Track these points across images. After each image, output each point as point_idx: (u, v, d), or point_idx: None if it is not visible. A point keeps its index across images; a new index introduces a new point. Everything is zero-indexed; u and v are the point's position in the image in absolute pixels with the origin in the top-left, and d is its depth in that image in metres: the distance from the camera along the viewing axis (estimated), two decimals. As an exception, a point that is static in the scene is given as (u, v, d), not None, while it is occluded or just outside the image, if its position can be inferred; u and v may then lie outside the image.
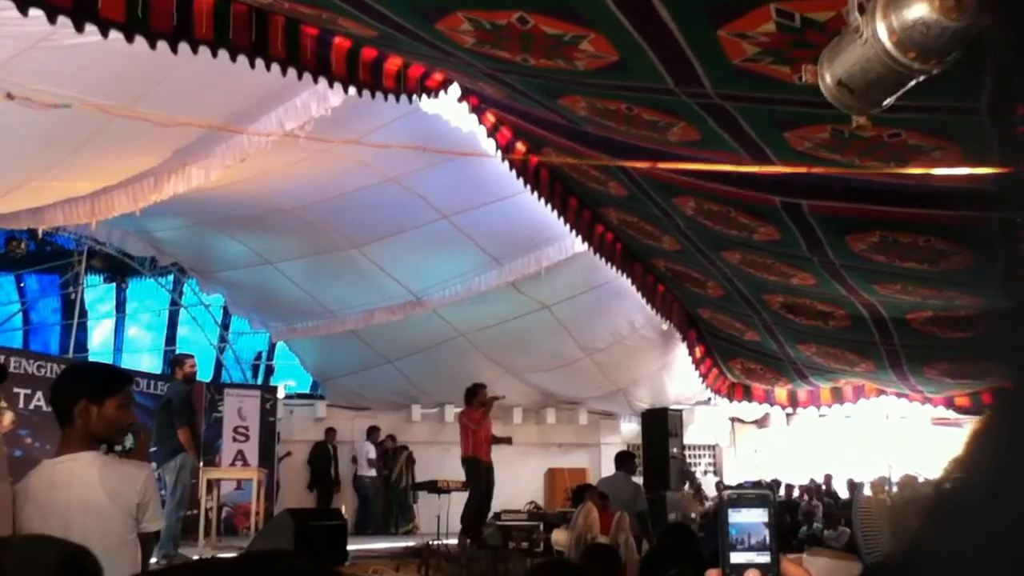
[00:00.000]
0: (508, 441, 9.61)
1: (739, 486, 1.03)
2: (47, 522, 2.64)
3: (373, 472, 12.81)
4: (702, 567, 0.96)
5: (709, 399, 12.77)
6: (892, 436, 14.85)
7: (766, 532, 0.94)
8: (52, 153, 6.25)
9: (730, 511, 0.94)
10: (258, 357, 15.57)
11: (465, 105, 6.21)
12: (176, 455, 7.70)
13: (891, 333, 7.28)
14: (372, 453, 12.89)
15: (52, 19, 3.90)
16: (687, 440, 13.36)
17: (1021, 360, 0.59)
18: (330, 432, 12.92)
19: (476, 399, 9.28)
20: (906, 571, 0.71)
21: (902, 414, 14.11)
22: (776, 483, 14.21)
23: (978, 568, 0.57)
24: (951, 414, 9.87)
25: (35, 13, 3.80)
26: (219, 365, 14.98)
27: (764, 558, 0.93)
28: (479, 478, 9.05)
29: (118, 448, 3.13)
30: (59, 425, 2.86)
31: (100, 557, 2.64)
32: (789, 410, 11.54)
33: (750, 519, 0.94)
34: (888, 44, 2.29)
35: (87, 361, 9.09)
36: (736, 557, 0.93)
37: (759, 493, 0.96)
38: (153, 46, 4.21)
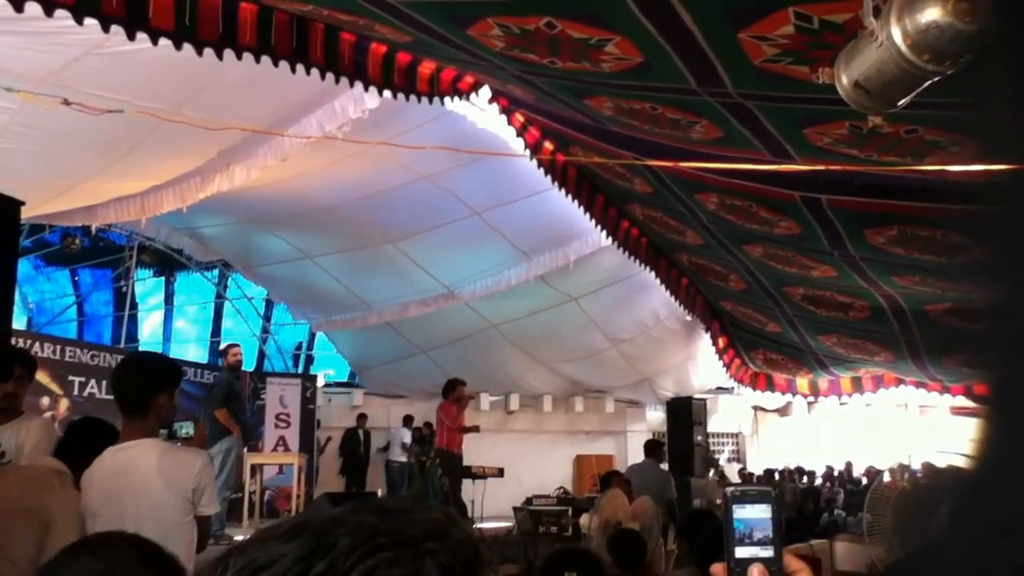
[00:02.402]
0: (476, 429, 9.77)
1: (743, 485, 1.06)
2: (106, 506, 2.82)
3: (403, 457, 13.03)
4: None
5: (732, 388, 12.85)
6: (912, 425, 14.83)
7: (770, 527, 0.96)
8: (105, 155, 6.47)
9: (734, 507, 0.96)
10: (299, 347, 15.92)
11: (495, 106, 6.39)
12: (221, 439, 8.03)
13: (910, 324, 7.33)
14: (408, 438, 13.10)
15: (106, 28, 4.12)
16: (711, 428, 13.45)
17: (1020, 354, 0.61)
18: (361, 418, 13.14)
19: (453, 394, 9.53)
20: (929, 561, 0.72)
21: (921, 403, 14.09)
22: (799, 470, 14.27)
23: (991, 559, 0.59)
24: (970, 403, 9.88)
25: (90, 22, 4.02)
26: (262, 355, 15.34)
27: (768, 552, 0.95)
28: (452, 469, 9.35)
29: (181, 436, 3.31)
30: (124, 413, 2.96)
31: (154, 539, 2.81)
32: (811, 399, 11.60)
33: (754, 515, 0.96)
34: (903, 47, 2.36)
35: (153, 353, 9.33)
36: (741, 552, 0.95)
37: (762, 490, 0.99)
38: (200, 53, 4.42)
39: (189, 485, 2.90)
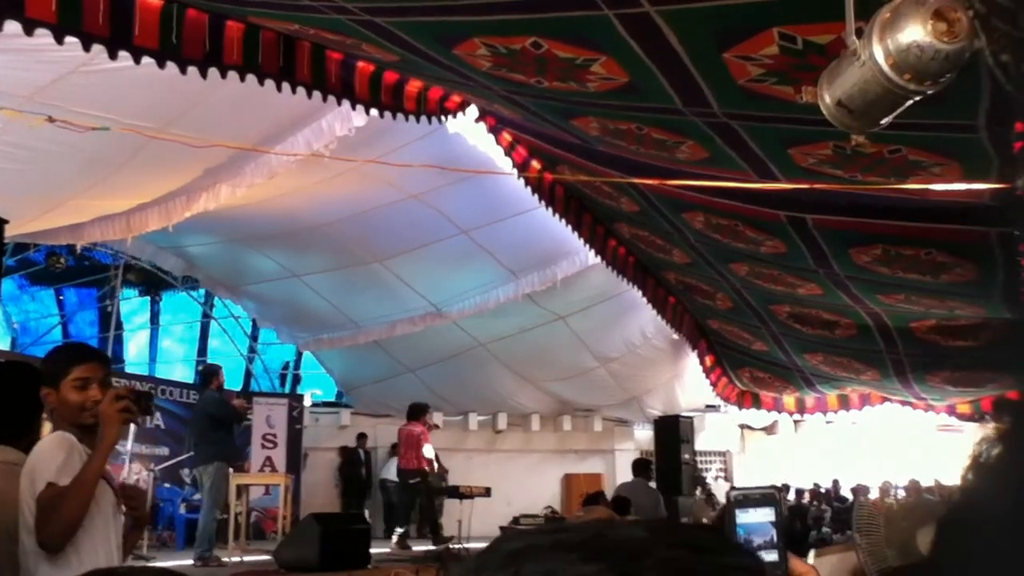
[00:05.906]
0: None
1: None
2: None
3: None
4: None
5: (719, 407, 12.85)
6: (897, 442, 14.89)
7: (773, 531, 0.95)
8: (90, 173, 6.46)
9: (737, 512, 0.96)
10: (286, 367, 15.92)
11: (483, 125, 6.42)
12: (213, 461, 7.94)
13: (895, 342, 7.36)
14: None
15: (87, 47, 4.06)
16: (698, 447, 13.47)
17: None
18: (361, 438, 13.09)
19: (424, 415, 9.74)
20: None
21: (907, 421, 14.15)
22: (786, 488, 14.28)
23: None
24: (954, 421, 9.96)
25: (72, 40, 3.96)
26: (248, 375, 15.31)
27: (772, 556, 0.93)
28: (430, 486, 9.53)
29: None
30: None
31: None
32: (797, 417, 11.63)
33: (757, 519, 0.95)
34: (884, 66, 2.37)
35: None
36: None
37: (764, 493, 0.97)
38: (183, 71, 4.39)
39: (29, 467, 2.43)
